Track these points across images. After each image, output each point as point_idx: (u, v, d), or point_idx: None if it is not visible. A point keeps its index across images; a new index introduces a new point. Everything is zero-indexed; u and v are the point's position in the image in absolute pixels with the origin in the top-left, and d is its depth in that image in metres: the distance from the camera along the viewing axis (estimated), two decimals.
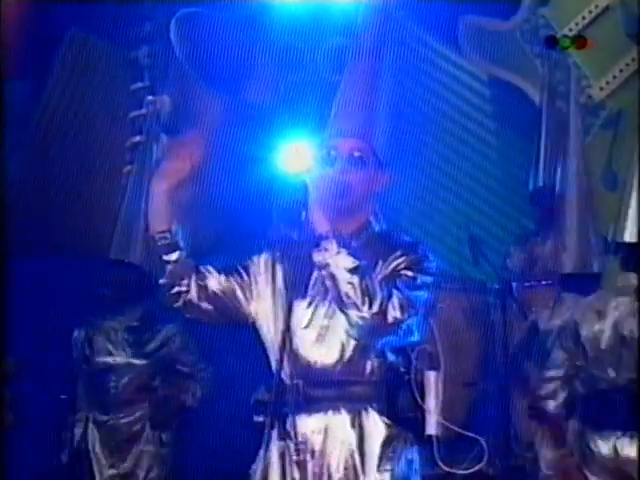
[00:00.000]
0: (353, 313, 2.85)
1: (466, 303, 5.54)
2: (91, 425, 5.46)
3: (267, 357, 3.10)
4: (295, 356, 3.00)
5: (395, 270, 2.96)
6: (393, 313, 2.84)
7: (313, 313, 3.02)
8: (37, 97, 6.92)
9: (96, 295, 5.64)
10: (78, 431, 5.48)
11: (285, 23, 6.75)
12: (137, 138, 6.79)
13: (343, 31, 6.89)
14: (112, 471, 5.43)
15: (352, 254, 2.89)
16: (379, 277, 2.94)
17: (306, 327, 3.02)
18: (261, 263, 3.18)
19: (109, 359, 5.50)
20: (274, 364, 3.04)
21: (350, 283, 2.84)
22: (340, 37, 6.96)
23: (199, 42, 6.84)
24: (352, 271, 2.85)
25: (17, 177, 6.45)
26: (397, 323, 2.86)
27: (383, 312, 2.84)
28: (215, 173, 6.63)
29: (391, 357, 3.00)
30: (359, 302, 2.83)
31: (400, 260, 2.98)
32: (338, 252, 2.88)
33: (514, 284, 5.77)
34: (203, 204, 6.74)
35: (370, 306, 2.83)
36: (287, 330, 3.00)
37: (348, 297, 2.84)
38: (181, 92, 6.88)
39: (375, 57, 3.25)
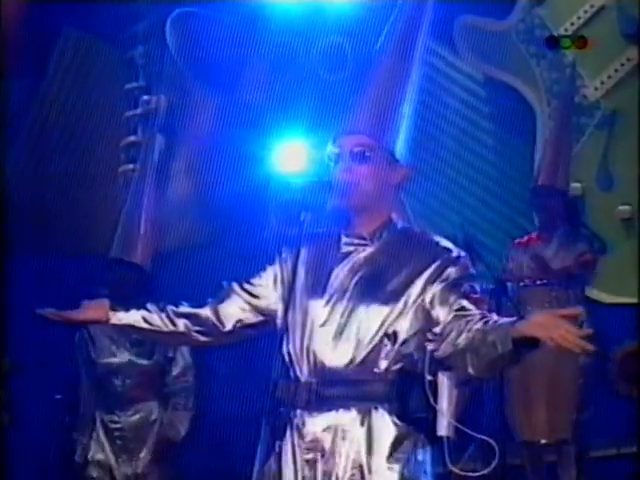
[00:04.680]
0: None
1: None
2: (98, 425, 5.46)
3: (280, 354, 3.07)
4: (310, 354, 2.98)
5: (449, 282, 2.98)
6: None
7: (330, 311, 3.00)
8: (32, 97, 6.92)
9: (95, 295, 5.63)
10: (85, 432, 5.48)
11: (280, 22, 6.75)
12: (132, 138, 6.79)
13: (338, 30, 6.91)
14: (120, 471, 5.42)
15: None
16: (424, 278, 2.97)
17: (323, 325, 3.00)
18: (269, 272, 3.18)
19: (112, 359, 5.49)
20: (289, 361, 3.02)
21: None
22: (335, 36, 6.96)
23: (194, 42, 6.84)
24: None
25: (14, 177, 6.45)
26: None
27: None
28: (211, 171, 6.64)
29: (405, 357, 2.99)
30: None
31: (450, 273, 2.99)
32: None
33: (509, 284, 5.76)
34: (200, 202, 6.75)
35: None
36: (304, 328, 3.00)
37: None
38: (176, 92, 6.88)
39: (393, 56, 3.24)
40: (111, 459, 5.43)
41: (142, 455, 5.42)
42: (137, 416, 5.45)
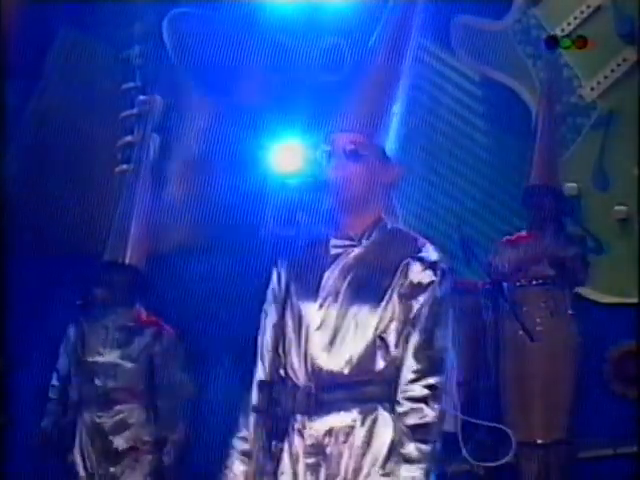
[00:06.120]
0: None
1: (457, 303, 5.53)
2: (80, 424, 5.46)
3: (277, 358, 3.06)
4: (307, 359, 2.97)
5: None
6: None
7: (325, 315, 2.99)
8: (29, 97, 6.92)
9: (90, 295, 5.64)
10: (69, 430, 5.48)
11: (277, 23, 6.75)
12: (129, 138, 6.79)
13: (335, 31, 6.91)
14: (99, 472, 5.41)
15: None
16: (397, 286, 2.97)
17: (318, 329, 2.99)
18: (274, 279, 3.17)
19: (98, 359, 5.49)
20: (286, 367, 3.01)
21: None
22: (332, 37, 6.97)
23: (191, 42, 6.84)
24: None
25: (11, 176, 6.45)
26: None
27: None
28: (207, 171, 6.64)
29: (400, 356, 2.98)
30: None
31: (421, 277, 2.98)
32: None
33: (505, 284, 5.76)
34: (196, 202, 6.75)
35: None
36: (299, 333, 2.99)
37: None
38: (172, 92, 6.88)
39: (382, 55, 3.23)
40: (93, 459, 5.42)
41: (120, 457, 5.42)
42: (118, 417, 5.45)
